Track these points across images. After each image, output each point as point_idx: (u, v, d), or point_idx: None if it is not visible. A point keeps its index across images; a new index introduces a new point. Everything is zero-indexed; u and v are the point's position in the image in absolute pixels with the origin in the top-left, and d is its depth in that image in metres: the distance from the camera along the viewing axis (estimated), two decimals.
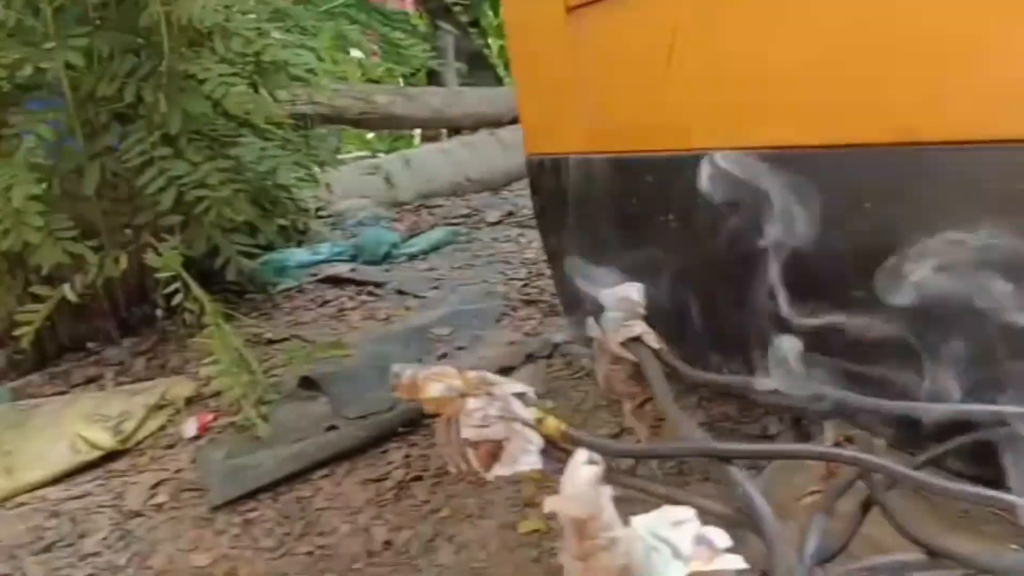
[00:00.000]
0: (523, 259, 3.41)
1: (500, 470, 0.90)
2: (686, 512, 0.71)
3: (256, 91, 2.99)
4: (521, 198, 4.74)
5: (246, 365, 2.36)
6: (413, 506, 1.82)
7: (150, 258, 2.36)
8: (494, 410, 0.90)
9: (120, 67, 2.58)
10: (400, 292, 3.14)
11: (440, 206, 4.82)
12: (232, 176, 2.72)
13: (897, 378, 1.41)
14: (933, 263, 1.26)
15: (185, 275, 2.39)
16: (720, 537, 0.71)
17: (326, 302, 3.18)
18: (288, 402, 2.35)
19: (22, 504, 2.05)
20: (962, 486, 0.89)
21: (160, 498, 1.97)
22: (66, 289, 2.56)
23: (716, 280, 1.78)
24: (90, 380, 2.75)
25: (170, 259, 2.33)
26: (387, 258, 3.70)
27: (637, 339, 1.05)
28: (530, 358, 2.34)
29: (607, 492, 0.63)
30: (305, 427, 2.21)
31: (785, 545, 0.81)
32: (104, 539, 1.83)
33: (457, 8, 6.05)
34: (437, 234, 3.94)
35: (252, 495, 1.93)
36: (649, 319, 1.54)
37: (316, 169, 3.48)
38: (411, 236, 4.06)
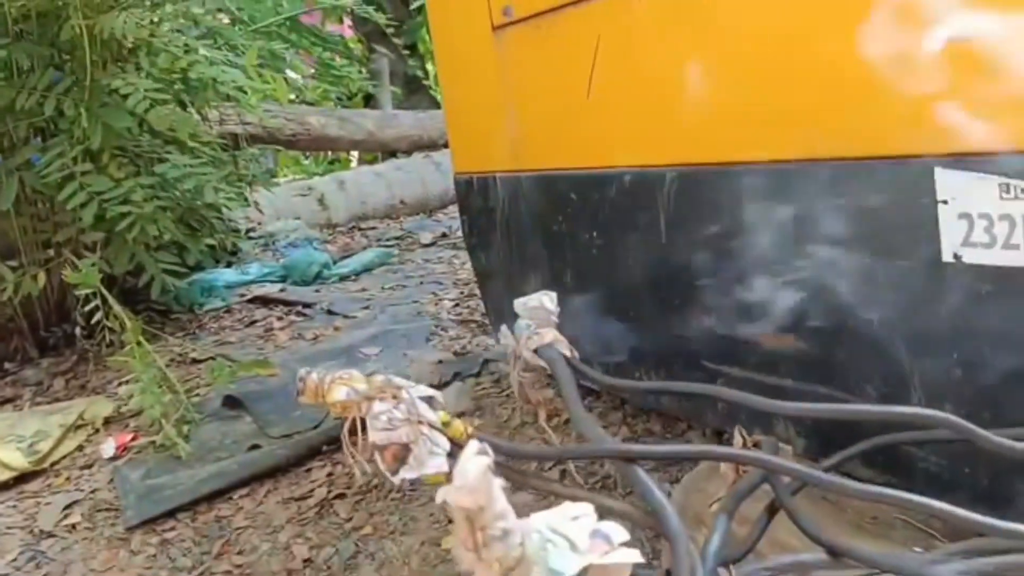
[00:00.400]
0: (456, 279, 3.42)
1: (406, 473, 0.90)
2: (584, 508, 0.72)
3: (184, 108, 2.96)
4: (456, 220, 4.75)
5: (168, 384, 2.31)
6: (335, 524, 1.80)
7: (68, 274, 2.30)
8: (400, 413, 0.90)
9: (40, 80, 2.53)
10: (329, 312, 3.12)
11: (374, 228, 4.80)
12: (156, 193, 2.68)
13: (802, 388, 1.45)
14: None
15: (104, 292, 2.35)
16: (616, 531, 0.71)
17: (254, 322, 3.14)
18: (211, 421, 2.31)
19: None
20: (861, 485, 0.92)
21: (74, 518, 1.92)
22: None
23: (639, 294, 1.81)
24: (6, 401, 2.67)
25: (88, 276, 2.28)
26: (318, 279, 3.67)
27: (548, 345, 1.06)
28: (457, 376, 2.34)
29: (499, 484, 0.63)
30: (228, 446, 2.18)
31: (688, 543, 0.83)
32: (13, 560, 1.77)
33: (392, 32, 6.07)
34: (369, 255, 3.92)
35: (170, 514, 1.89)
36: (573, 331, 1.57)
37: (246, 188, 3.45)
38: (343, 257, 4.03)
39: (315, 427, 2.20)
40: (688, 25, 1.47)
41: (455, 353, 2.55)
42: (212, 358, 2.75)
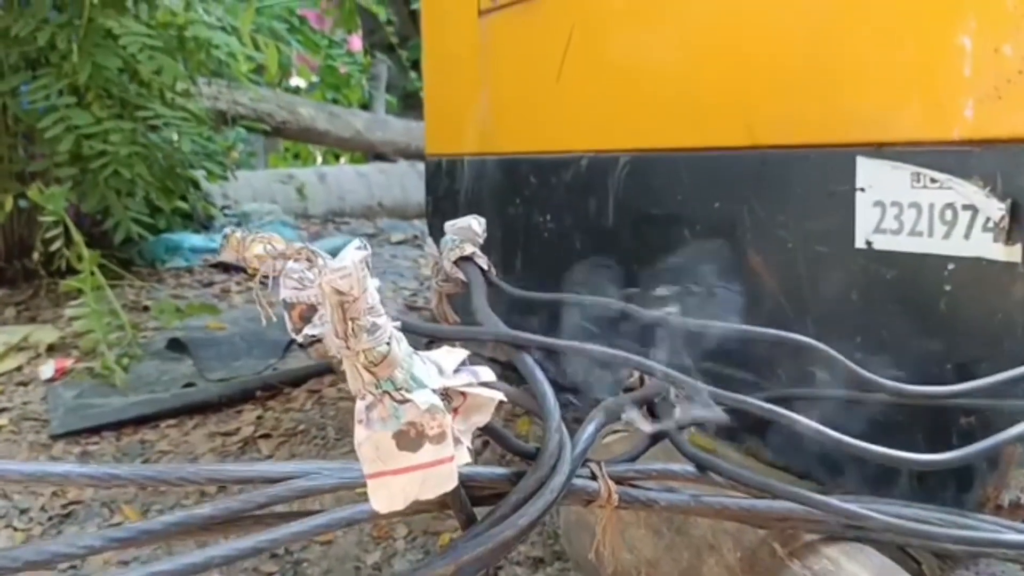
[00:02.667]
0: (417, 274, 3.47)
1: (310, 330, 0.94)
2: (460, 352, 0.78)
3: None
4: None
5: (116, 316, 2.34)
6: (256, 459, 1.83)
7: (34, 194, 2.34)
8: (312, 275, 0.95)
9: (38, 11, 2.59)
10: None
11: (348, 223, 4.86)
12: (135, 139, 2.73)
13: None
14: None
15: (68, 220, 2.38)
16: (485, 371, 0.77)
17: (212, 283, 3.17)
18: (152, 359, 2.33)
19: None
20: (744, 397, 0.97)
21: (0, 422, 1.94)
22: None
23: (588, 279, 1.86)
24: None
25: (55, 198, 2.31)
26: None
27: (468, 258, 1.12)
28: None
29: (376, 283, 0.68)
30: (164, 382, 2.20)
31: (560, 423, 0.88)
32: None
33: (398, 43, 6.18)
34: (339, 241, 3.96)
35: (96, 431, 1.91)
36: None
37: (228, 162, 3.51)
38: (312, 240, 4.08)
39: (255, 375, 2.23)
40: (649, 15, 1.56)
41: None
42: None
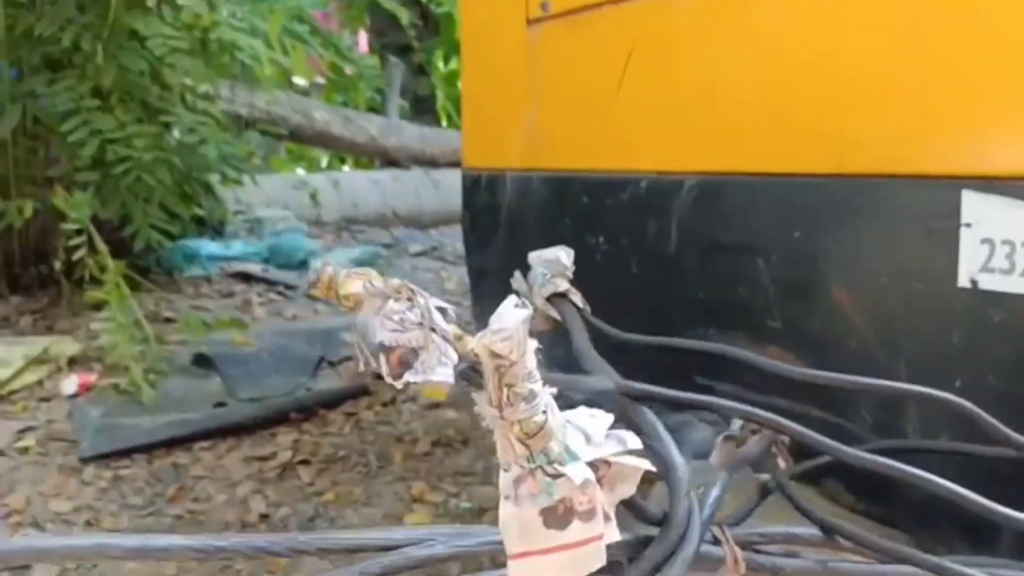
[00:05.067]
0: (442, 288, 3.39)
1: (411, 377, 0.84)
2: (601, 412, 0.70)
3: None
4: (447, 238, 4.73)
5: (140, 328, 2.26)
6: (296, 486, 1.75)
7: (58, 200, 2.25)
8: (414, 316, 0.86)
9: (62, 11, 2.51)
10: (311, 297, 3.07)
11: (363, 232, 4.77)
12: (159, 144, 2.65)
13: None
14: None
15: (91, 227, 2.30)
16: (631, 437, 0.69)
17: (232, 294, 3.09)
18: (179, 376, 2.25)
19: None
20: (883, 460, 0.90)
21: (27, 442, 1.85)
22: None
23: (641, 307, 1.79)
24: None
25: (79, 205, 2.23)
26: (302, 266, 3.62)
27: (562, 296, 1.04)
28: None
29: (534, 344, 0.61)
30: (193, 401, 2.12)
31: (690, 487, 0.80)
32: None
33: (408, 46, 6.10)
34: (357, 251, 3.89)
35: (126, 454, 1.83)
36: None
37: (247, 167, 3.42)
38: (330, 250, 4.00)
39: (286, 395, 2.15)
40: (727, 30, 1.48)
41: None
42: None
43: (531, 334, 1.14)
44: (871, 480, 1.27)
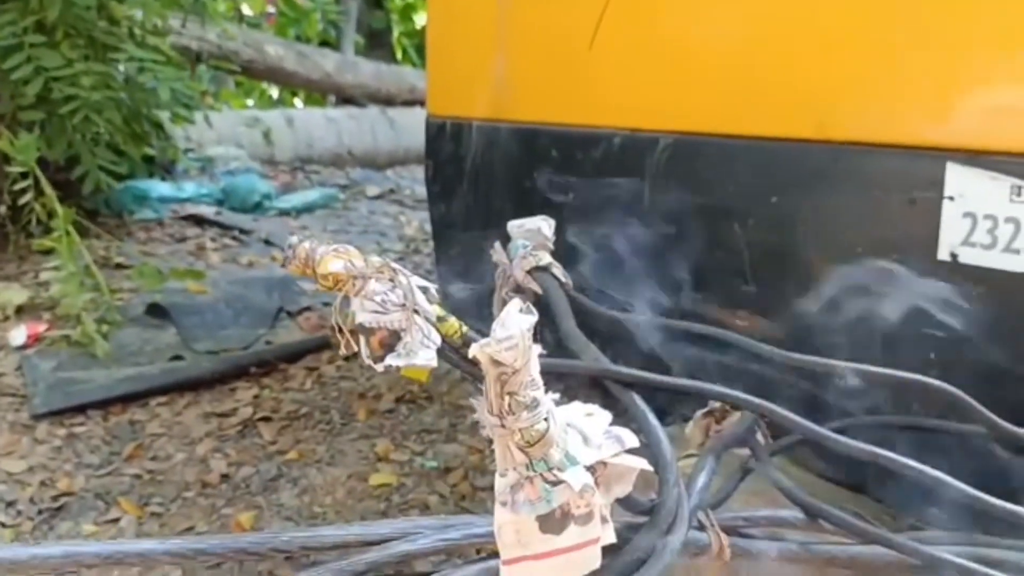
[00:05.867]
0: (401, 235, 3.33)
1: (393, 360, 0.82)
2: (597, 408, 0.68)
3: None
4: (404, 180, 4.65)
5: (91, 277, 2.18)
6: (257, 444, 1.72)
7: (3, 143, 2.15)
8: (396, 297, 0.82)
9: None
10: (267, 243, 3.00)
11: (318, 172, 4.66)
12: (107, 83, 2.53)
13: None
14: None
15: (38, 171, 2.20)
16: (628, 436, 0.67)
17: (185, 238, 3.00)
18: (132, 326, 2.18)
19: None
20: (864, 446, 0.89)
21: None
22: None
23: (612, 268, 1.76)
24: None
25: (26, 148, 2.13)
26: (257, 209, 3.54)
27: (544, 269, 1.01)
28: None
29: (537, 350, 0.58)
30: (148, 353, 2.06)
31: (678, 474, 0.78)
32: None
33: None
34: (313, 194, 3.80)
35: (80, 410, 1.77)
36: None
37: (197, 103, 3.30)
38: (285, 192, 3.90)
39: (244, 348, 2.10)
40: None
41: None
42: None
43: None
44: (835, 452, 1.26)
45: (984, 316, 1.13)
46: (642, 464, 0.66)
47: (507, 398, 0.59)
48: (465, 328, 0.89)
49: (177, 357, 2.02)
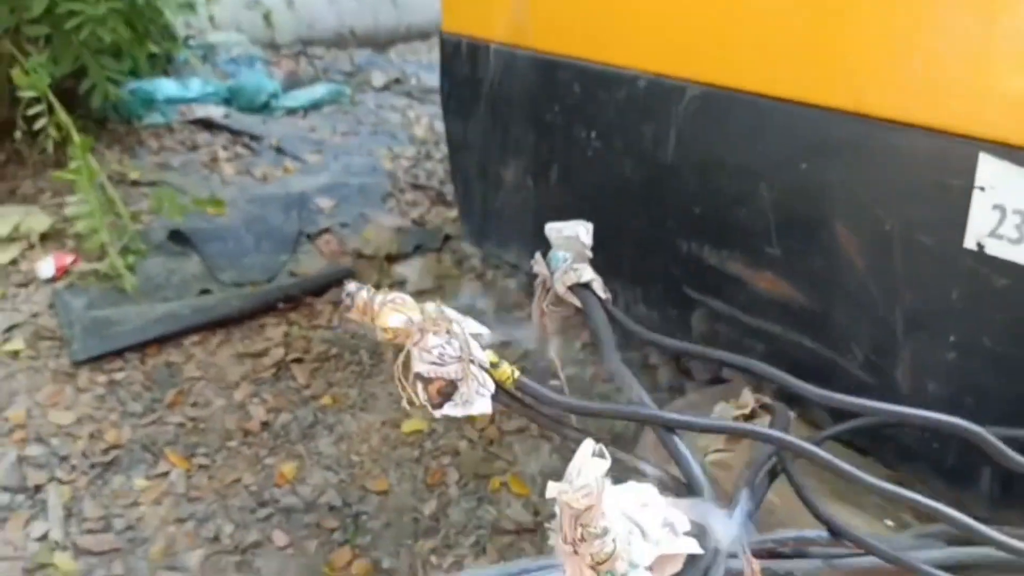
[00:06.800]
0: (411, 135, 3.30)
1: (451, 410, 0.87)
2: (650, 492, 0.73)
3: None
4: (410, 65, 4.55)
5: (112, 207, 2.19)
6: (292, 388, 1.78)
7: (17, 76, 2.12)
8: (452, 350, 0.87)
9: None
10: (278, 151, 2.98)
11: (320, 57, 4.56)
12: None
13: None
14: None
15: (52, 98, 2.18)
16: (681, 521, 0.73)
17: (196, 147, 2.98)
18: (157, 255, 2.21)
19: None
20: (872, 479, 0.95)
21: (16, 344, 1.83)
22: None
23: (631, 207, 1.77)
24: None
25: (38, 78, 2.10)
26: (265, 108, 3.49)
27: (586, 286, 1.03)
28: (418, 249, 2.29)
29: (608, 483, 0.63)
30: (175, 285, 2.10)
31: (717, 509, 0.85)
32: None
33: None
34: (320, 90, 3.73)
35: (118, 353, 1.83)
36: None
37: None
38: (291, 87, 3.83)
39: (268, 280, 2.14)
40: None
41: (414, 221, 2.48)
42: (154, 183, 2.61)
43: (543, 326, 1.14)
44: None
45: (1006, 308, 1.16)
46: (694, 548, 0.71)
47: (580, 529, 0.65)
48: (517, 373, 0.94)
49: (205, 291, 2.06)
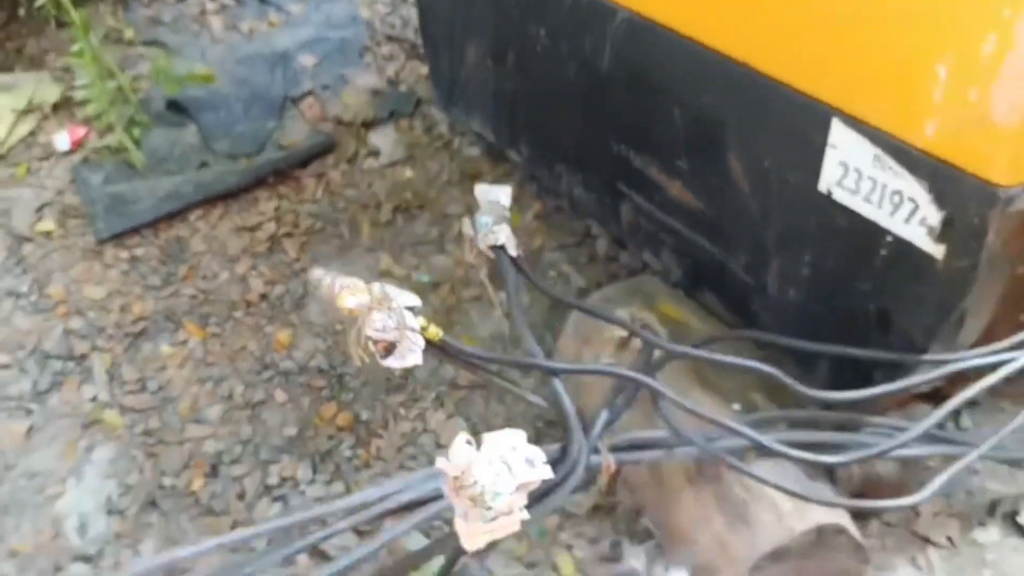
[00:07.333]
0: None
1: (391, 362, 1.23)
2: (519, 437, 1.09)
3: None
4: None
5: (113, 77, 2.40)
6: (284, 262, 2.12)
7: None
8: (392, 321, 1.22)
9: None
10: (263, 1, 3.11)
11: None
12: None
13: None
14: None
15: None
16: (538, 455, 1.09)
17: None
18: (158, 126, 2.47)
19: None
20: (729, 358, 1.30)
21: (47, 223, 2.15)
22: None
23: (569, 102, 2.00)
24: None
25: None
26: None
27: (501, 247, 1.35)
28: (392, 115, 2.54)
29: (475, 452, 0.99)
30: (177, 157, 2.39)
31: (579, 432, 1.22)
32: (3, 263, 2.03)
33: None
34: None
35: (135, 230, 2.15)
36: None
37: None
38: None
39: (258, 149, 2.41)
40: None
41: (389, 80, 2.70)
42: (149, 42, 2.79)
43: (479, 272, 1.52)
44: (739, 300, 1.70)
45: (845, 241, 1.46)
46: (545, 475, 1.08)
47: (457, 483, 1.01)
48: (441, 334, 1.28)
49: (203, 163, 2.35)
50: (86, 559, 1.52)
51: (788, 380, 1.28)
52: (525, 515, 1.09)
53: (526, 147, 2.21)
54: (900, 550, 1.59)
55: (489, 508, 1.05)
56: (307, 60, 2.77)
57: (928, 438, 1.40)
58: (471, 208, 2.10)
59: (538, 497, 1.14)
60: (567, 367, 1.30)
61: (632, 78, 1.82)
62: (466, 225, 1.43)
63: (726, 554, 1.38)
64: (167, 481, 1.65)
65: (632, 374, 1.26)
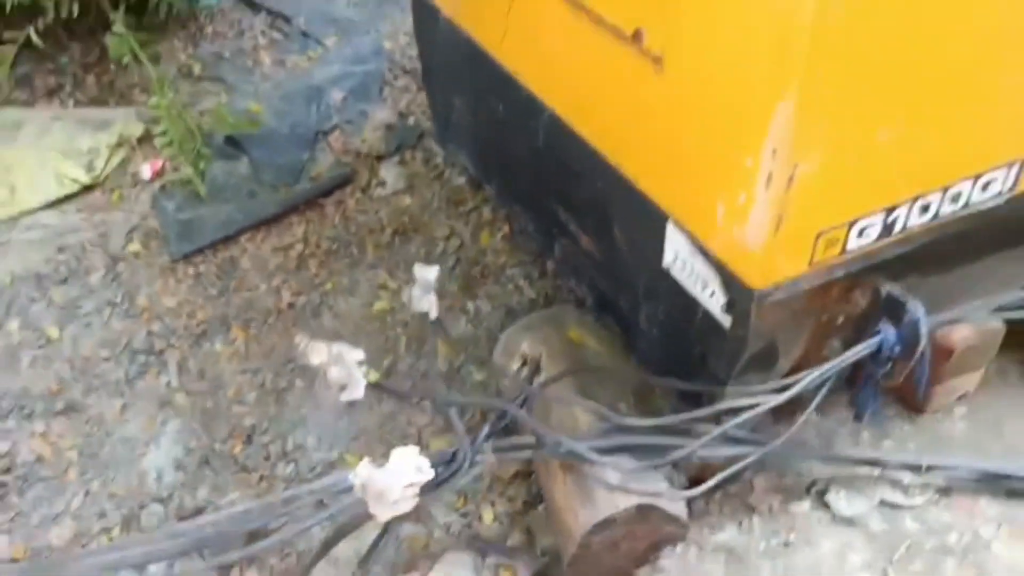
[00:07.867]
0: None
1: (344, 396, 1.93)
2: (413, 452, 1.75)
3: None
4: None
5: (182, 117, 3.06)
6: (308, 277, 2.80)
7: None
8: (343, 371, 1.92)
9: None
10: (304, 35, 3.70)
11: None
12: None
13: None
14: None
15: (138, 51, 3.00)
16: (425, 463, 1.76)
17: (242, 32, 3.72)
18: (218, 159, 3.14)
19: (29, 229, 2.93)
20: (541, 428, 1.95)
21: (136, 245, 2.88)
22: None
23: (523, 163, 2.56)
24: (51, 92, 3.42)
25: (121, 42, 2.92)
26: None
27: (427, 315, 2.00)
28: (399, 149, 3.16)
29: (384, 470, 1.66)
30: (232, 186, 3.07)
31: (466, 442, 1.89)
32: (103, 278, 2.77)
33: None
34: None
35: (199, 250, 2.86)
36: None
37: None
38: None
39: (295, 179, 3.08)
40: None
41: (400, 114, 3.31)
42: (213, 79, 3.45)
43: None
44: (626, 328, 2.32)
45: (677, 301, 2.04)
46: (427, 477, 1.75)
47: (372, 491, 1.69)
48: (375, 376, 1.95)
49: (252, 192, 3.03)
50: (160, 500, 2.28)
51: (605, 411, 1.93)
52: (416, 500, 1.75)
53: (495, 185, 2.80)
54: (732, 515, 2.00)
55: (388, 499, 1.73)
56: (337, 95, 3.39)
57: (730, 440, 2.01)
58: (453, 231, 2.70)
59: (434, 486, 1.81)
60: (457, 400, 1.97)
61: (555, 157, 2.38)
62: (406, 294, 2.09)
63: (576, 520, 2.01)
64: (217, 446, 2.39)
65: (505, 405, 1.92)
